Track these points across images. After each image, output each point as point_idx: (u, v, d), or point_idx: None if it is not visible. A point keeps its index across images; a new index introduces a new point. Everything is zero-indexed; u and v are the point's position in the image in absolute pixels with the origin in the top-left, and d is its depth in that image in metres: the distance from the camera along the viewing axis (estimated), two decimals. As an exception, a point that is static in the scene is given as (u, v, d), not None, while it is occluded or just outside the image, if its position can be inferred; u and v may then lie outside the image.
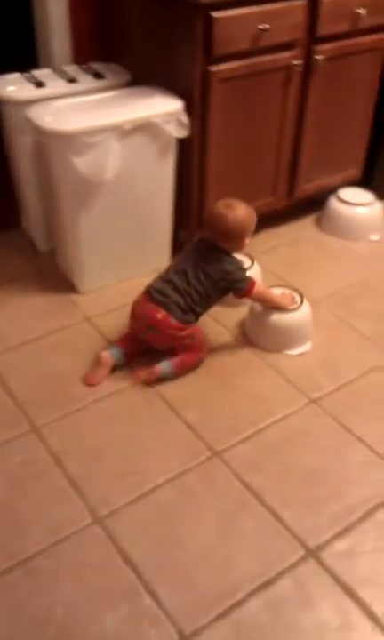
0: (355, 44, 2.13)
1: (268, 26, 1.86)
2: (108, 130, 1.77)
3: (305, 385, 1.81)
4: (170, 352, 1.82)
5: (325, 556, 1.39)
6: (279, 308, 1.88)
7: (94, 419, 1.69)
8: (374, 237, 2.44)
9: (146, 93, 1.92)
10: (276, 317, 1.89)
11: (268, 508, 1.48)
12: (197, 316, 1.81)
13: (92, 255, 2.04)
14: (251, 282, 1.80)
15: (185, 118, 1.89)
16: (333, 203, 2.45)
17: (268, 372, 1.85)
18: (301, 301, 1.92)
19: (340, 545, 1.42)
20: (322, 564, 1.38)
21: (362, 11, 2.05)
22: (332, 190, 2.45)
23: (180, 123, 1.88)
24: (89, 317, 2.02)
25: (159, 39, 1.94)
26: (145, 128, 1.84)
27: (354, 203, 2.42)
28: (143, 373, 1.79)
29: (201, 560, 1.38)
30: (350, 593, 1.33)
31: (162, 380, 1.79)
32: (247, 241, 1.80)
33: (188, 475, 1.55)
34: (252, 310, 1.96)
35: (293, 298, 1.92)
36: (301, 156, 2.26)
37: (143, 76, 2.03)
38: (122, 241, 2.06)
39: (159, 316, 1.74)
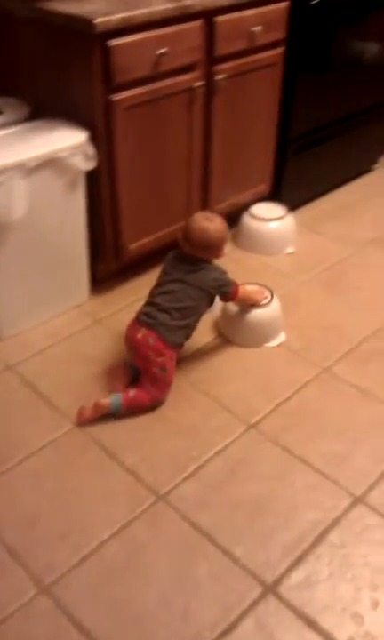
0: (253, 62, 2.13)
1: (166, 50, 1.83)
2: (12, 169, 1.68)
3: (241, 410, 1.79)
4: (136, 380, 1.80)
5: (283, 589, 1.38)
6: (256, 304, 1.98)
7: (26, 478, 1.59)
8: (289, 250, 2.47)
9: (48, 127, 1.84)
10: (253, 314, 1.98)
11: (220, 548, 1.45)
12: (188, 334, 1.83)
13: (8, 297, 1.94)
14: (235, 284, 1.88)
15: (91, 150, 1.83)
16: (246, 219, 2.45)
17: (202, 400, 1.82)
18: (272, 295, 2.03)
19: (297, 576, 1.40)
20: (281, 598, 1.36)
21: (257, 28, 2.06)
22: (245, 207, 2.45)
23: (86, 155, 1.82)
24: (10, 365, 1.92)
25: (57, 69, 1.87)
26: (50, 163, 1.77)
27: (266, 218, 2.43)
28: (87, 410, 1.73)
29: (157, 614, 1.33)
30: (312, 624, 1.32)
31: (108, 415, 1.73)
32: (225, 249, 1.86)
33: (133, 525, 1.49)
34: (226, 312, 2.03)
35: (264, 292, 2.02)
36: (212, 176, 2.24)
37: (44, 109, 1.95)
38: (38, 280, 1.98)
39: (139, 335, 1.77)
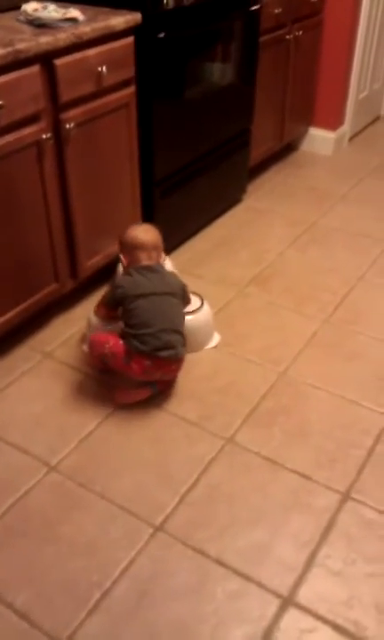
0: (103, 105, 1.91)
1: (2, 103, 1.56)
2: None
3: (143, 509, 1.56)
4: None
5: None
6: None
7: None
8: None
9: None
10: (188, 321, 1.92)
11: None
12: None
13: None
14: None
15: None
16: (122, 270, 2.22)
17: (96, 504, 1.56)
18: (202, 300, 2.08)
19: None
20: None
21: (103, 68, 1.84)
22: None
23: None
24: None
25: None
26: None
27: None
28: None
29: None
30: None
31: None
32: None
33: None
34: None
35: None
36: (76, 231, 2.00)
37: None
38: None
39: (173, 367, 1.82)
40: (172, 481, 1.63)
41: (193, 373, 1.98)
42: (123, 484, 1.62)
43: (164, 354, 1.75)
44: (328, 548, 1.49)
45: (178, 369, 1.84)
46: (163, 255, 1.89)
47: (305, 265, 2.55)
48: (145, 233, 1.85)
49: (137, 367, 1.77)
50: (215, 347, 2.08)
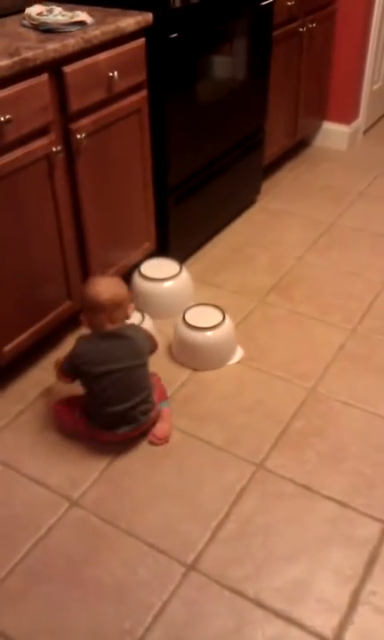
0: (115, 111, 1.80)
1: (10, 116, 1.45)
2: None
3: (172, 546, 1.46)
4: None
5: None
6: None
7: None
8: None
9: None
10: (207, 337, 1.89)
11: None
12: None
13: None
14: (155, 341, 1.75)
15: None
16: (138, 281, 2.13)
17: (122, 542, 1.47)
18: (223, 314, 1.96)
19: None
20: None
21: (114, 73, 1.73)
22: (135, 267, 2.13)
23: None
24: None
25: None
26: None
27: (159, 278, 2.12)
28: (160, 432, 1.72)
29: None
30: None
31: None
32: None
33: None
34: (179, 338, 1.95)
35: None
36: (88, 246, 1.89)
37: None
38: None
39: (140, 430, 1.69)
40: (201, 513, 1.54)
41: (216, 392, 1.88)
42: (149, 518, 1.53)
43: (125, 429, 1.65)
44: (373, 584, 1.40)
45: (148, 429, 1.72)
46: (131, 309, 1.66)
47: (326, 270, 2.44)
48: (105, 291, 1.58)
49: (98, 436, 1.68)
50: (238, 362, 1.99)
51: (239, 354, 2.01)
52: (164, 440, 1.71)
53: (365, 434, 1.75)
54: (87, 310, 1.61)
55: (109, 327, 1.60)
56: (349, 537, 1.49)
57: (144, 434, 1.72)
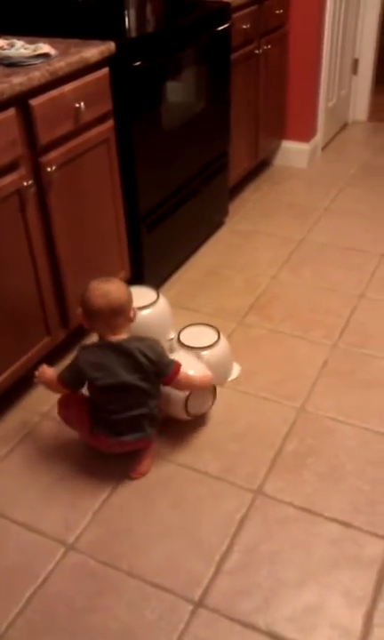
0: (83, 142, 1.78)
1: (-22, 153, 1.43)
2: None
3: (177, 584, 1.41)
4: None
5: None
6: (198, 390, 1.74)
7: None
8: (171, 336, 2.13)
9: None
10: (207, 355, 1.85)
11: None
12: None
13: None
14: (177, 364, 1.63)
15: None
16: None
17: (125, 584, 1.41)
18: (218, 334, 1.92)
19: None
20: None
21: (80, 104, 1.71)
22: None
23: None
24: None
25: None
26: None
27: (137, 307, 2.07)
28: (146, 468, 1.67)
29: None
30: None
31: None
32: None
33: None
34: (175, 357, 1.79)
35: (208, 377, 1.75)
36: (64, 280, 1.86)
37: None
38: None
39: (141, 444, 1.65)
40: (203, 547, 1.50)
41: (206, 418, 1.84)
42: (150, 556, 1.48)
43: (131, 437, 1.60)
44: (384, 604, 1.38)
45: (147, 446, 1.67)
46: (134, 313, 1.60)
47: (301, 287, 2.45)
48: (101, 296, 1.52)
49: (101, 443, 1.63)
50: (236, 377, 1.98)
51: (236, 370, 2.00)
52: (144, 475, 1.67)
53: (359, 450, 1.73)
54: (85, 316, 1.57)
55: (112, 337, 1.55)
56: (356, 557, 1.47)
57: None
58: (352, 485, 1.63)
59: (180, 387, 1.65)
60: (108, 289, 1.54)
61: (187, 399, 1.70)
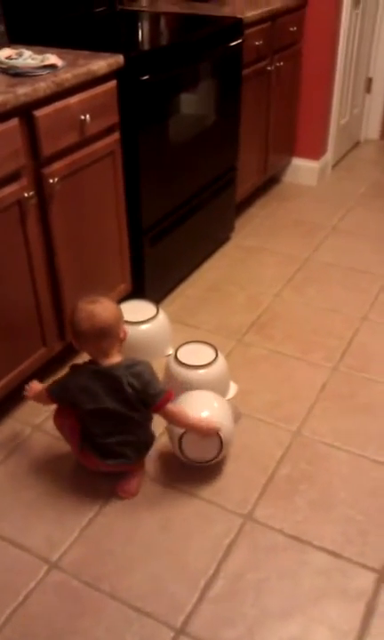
0: (88, 154, 1.77)
1: (-21, 163, 1.41)
2: None
3: (160, 610, 1.38)
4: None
5: None
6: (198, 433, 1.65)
7: None
8: (169, 352, 2.11)
9: None
10: (199, 375, 1.82)
11: None
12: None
13: None
14: (168, 391, 1.56)
15: None
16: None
17: (107, 607, 1.38)
18: (216, 351, 1.88)
19: None
20: None
21: (86, 116, 1.70)
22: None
23: None
24: None
25: None
26: None
27: (136, 321, 2.05)
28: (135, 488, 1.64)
29: None
30: None
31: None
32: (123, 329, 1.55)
33: None
34: (169, 374, 1.87)
35: (212, 425, 1.65)
36: (63, 292, 1.84)
37: None
38: None
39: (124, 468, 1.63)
40: (189, 572, 1.46)
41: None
42: (134, 579, 1.45)
43: (110, 462, 1.58)
44: (371, 639, 1.34)
45: (132, 470, 1.64)
46: (124, 333, 1.54)
47: (304, 306, 2.42)
48: (86, 319, 1.47)
49: (88, 461, 1.61)
50: (232, 397, 1.91)
51: (233, 389, 1.96)
52: (134, 495, 1.64)
53: (353, 478, 1.70)
54: (74, 337, 1.53)
55: (103, 360, 1.50)
56: (344, 590, 1.43)
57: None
58: (344, 514, 1.60)
59: (168, 419, 1.60)
60: (93, 310, 1.47)
61: (181, 438, 1.62)
